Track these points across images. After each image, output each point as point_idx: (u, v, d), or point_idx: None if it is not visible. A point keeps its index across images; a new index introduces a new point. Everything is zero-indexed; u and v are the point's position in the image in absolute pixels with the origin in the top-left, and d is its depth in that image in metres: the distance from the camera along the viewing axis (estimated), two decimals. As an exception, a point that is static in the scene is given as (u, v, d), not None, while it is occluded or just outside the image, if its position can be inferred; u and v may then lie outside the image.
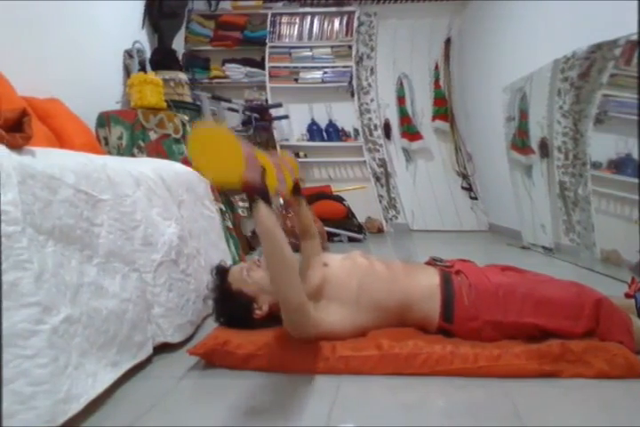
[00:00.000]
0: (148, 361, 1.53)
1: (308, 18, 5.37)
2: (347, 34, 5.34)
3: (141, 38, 3.86)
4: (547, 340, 1.48)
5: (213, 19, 5.28)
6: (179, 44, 4.86)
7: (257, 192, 1.33)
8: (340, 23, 5.35)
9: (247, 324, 1.64)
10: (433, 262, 1.78)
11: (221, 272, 1.72)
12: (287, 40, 5.36)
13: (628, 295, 1.73)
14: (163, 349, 1.63)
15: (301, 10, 5.35)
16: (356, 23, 5.30)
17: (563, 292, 1.55)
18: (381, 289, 1.62)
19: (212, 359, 1.52)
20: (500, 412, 1.23)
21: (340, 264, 1.71)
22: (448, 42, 5.41)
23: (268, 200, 1.35)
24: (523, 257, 3.57)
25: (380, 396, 1.35)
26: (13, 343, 1.00)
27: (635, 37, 2.36)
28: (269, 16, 5.27)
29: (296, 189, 1.83)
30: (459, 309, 1.55)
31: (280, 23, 5.34)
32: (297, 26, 5.36)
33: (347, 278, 1.63)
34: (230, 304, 1.66)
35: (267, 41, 5.26)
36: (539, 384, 1.36)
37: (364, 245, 4.44)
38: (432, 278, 1.64)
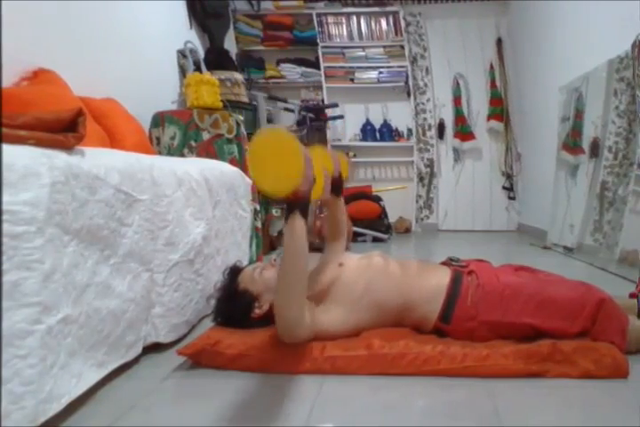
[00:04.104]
0: (135, 361, 1.49)
1: (354, 18, 5.21)
2: (396, 34, 5.16)
3: (192, 38, 3.82)
4: (539, 340, 1.43)
5: (259, 19, 5.18)
6: (230, 45, 4.82)
7: (299, 205, 1.26)
8: (387, 23, 5.17)
9: (244, 323, 1.60)
10: (449, 262, 1.72)
11: (233, 272, 1.68)
12: (338, 40, 5.22)
13: (632, 295, 1.72)
14: (152, 348, 1.59)
15: (344, 10, 5.19)
16: (403, 23, 5.12)
17: (568, 292, 1.51)
18: (388, 290, 1.56)
19: (200, 360, 1.48)
20: (480, 412, 1.20)
21: (356, 264, 1.66)
22: (499, 42, 5.18)
23: (305, 214, 1.27)
24: (541, 257, 3.48)
25: (361, 396, 1.31)
26: (11, 343, 0.98)
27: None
28: (315, 16, 5.13)
29: (337, 189, 1.76)
30: (459, 309, 1.51)
31: (327, 23, 5.20)
32: (345, 26, 5.21)
33: (357, 278, 1.58)
34: (232, 303, 1.60)
35: (318, 41, 5.15)
36: (523, 384, 1.32)
37: (386, 245, 4.32)
38: (442, 279, 1.58)
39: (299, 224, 1.27)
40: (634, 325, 1.46)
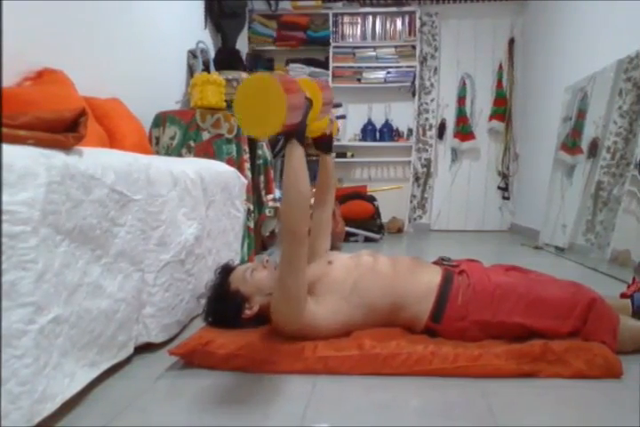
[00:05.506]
0: (127, 361, 1.48)
1: (370, 18, 5.20)
2: (410, 34, 5.15)
3: (205, 38, 3.82)
4: (530, 340, 1.44)
5: (275, 19, 5.17)
6: (243, 44, 4.80)
7: (294, 133, 1.28)
8: (403, 23, 5.17)
9: (234, 323, 1.59)
10: (440, 262, 1.72)
11: (225, 271, 1.67)
12: (351, 40, 5.22)
13: (623, 295, 1.73)
14: (144, 348, 1.58)
15: (362, 10, 5.19)
16: (418, 23, 5.11)
17: (559, 291, 1.50)
18: (376, 289, 1.56)
19: (192, 360, 1.47)
20: (475, 411, 1.20)
21: (344, 263, 1.66)
22: (512, 42, 5.17)
23: (302, 140, 1.29)
24: (532, 257, 3.49)
25: (355, 396, 1.32)
26: (9, 344, 0.97)
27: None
28: (331, 16, 5.13)
29: (326, 146, 1.79)
30: (450, 309, 1.50)
31: (342, 23, 5.20)
32: (359, 26, 5.21)
33: (344, 276, 1.58)
34: (223, 303, 1.60)
35: (330, 41, 5.14)
36: (516, 384, 1.33)
37: (378, 245, 4.31)
38: (433, 278, 1.57)
39: (297, 151, 1.30)
40: (626, 324, 1.47)
